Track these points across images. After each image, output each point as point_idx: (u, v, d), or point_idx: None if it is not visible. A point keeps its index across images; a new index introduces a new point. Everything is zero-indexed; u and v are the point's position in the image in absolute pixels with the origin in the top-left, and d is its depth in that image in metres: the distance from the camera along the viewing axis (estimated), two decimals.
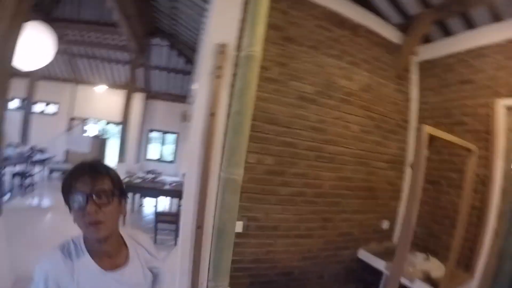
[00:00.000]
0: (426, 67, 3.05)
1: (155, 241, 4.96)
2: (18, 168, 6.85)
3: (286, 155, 2.46)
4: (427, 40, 2.97)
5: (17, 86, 9.94)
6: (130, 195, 5.89)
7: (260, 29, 1.32)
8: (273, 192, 2.45)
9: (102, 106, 11.21)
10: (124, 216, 1.08)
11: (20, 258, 3.35)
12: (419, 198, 1.84)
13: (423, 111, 3.06)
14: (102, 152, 9.72)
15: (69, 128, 11.07)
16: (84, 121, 11.45)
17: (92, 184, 0.93)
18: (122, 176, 6.30)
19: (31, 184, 6.65)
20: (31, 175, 6.66)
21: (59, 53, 9.62)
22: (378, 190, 2.90)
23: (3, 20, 2.77)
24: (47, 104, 11.10)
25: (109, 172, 1.00)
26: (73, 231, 1.00)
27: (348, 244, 2.80)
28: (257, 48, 1.30)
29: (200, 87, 2.27)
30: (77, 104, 11.32)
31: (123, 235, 1.09)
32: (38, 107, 10.83)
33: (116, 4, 5.64)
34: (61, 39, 8.77)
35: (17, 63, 4.82)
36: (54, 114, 11.20)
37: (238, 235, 2.32)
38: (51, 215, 5.56)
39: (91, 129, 11.68)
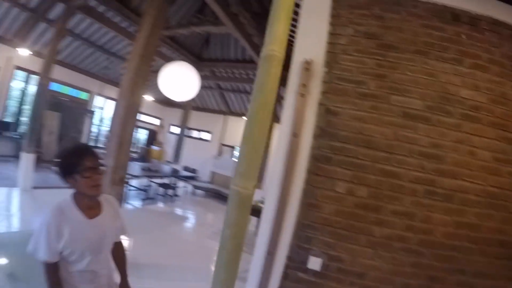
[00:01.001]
0: None
1: None
2: (166, 180, 8.10)
3: (385, 188, 1.98)
4: None
5: (176, 115, 12.02)
6: (255, 219, 6.08)
7: (280, 27, 1.18)
8: (364, 231, 2.00)
9: None
10: None
11: (145, 246, 4.46)
12: None
13: None
14: None
15: (218, 154, 12.43)
16: (232, 148, 12.66)
17: (95, 161, 1.49)
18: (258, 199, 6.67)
19: (175, 195, 7.85)
20: (175, 188, 7.83)
21: (212, 88, 11.15)
22: None
23: (134, 59, 3.42)
24: (202, 131, 12.87)
25: (97, 153, 1.55)
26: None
27: None
28: (274, 47, 1.16)
29: (286, 106, 2.17)
30: (227, 132, 12.70)
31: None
32: (194, 134, 12.73)
33: (249, 44, 6.17)
34: (212, 76, 10.17)
35: (170, 95, 5.77)
36: (207, 141, 12.88)
37: (314, 273, 2.07)
38: (185, 223, 6.35)
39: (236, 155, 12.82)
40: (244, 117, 11.93)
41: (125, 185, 6.97)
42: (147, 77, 3.67)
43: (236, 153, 12.92)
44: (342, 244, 2.02)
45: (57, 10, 6.91)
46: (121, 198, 3.81)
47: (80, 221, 1.49)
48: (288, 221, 2.13)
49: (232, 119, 12.69)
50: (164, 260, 4.18)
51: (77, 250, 1.49)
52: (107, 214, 1.64)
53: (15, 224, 4.37)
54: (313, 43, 2.15)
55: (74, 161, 1.44)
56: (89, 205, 1.55)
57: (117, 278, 1.86)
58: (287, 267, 2.15)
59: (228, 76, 10.21)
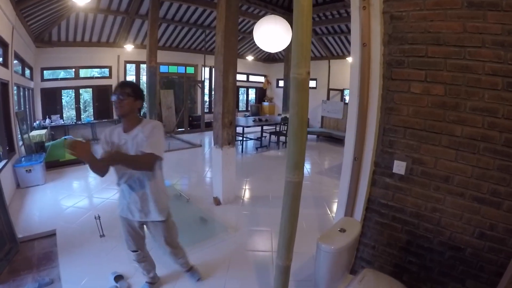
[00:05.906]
0: None
1: None
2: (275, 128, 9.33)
3: (461, 83, 1.89)
4: None
5: (280, 69, 12.29)
6: None
7: None
8: (445, 131, 1.98)
9: None
10: (140, 108, 2.21)
11: (258, 183, 5.70)
12: None
13: None
14: None
15: (326, 99, 12.37)
16: (339, 91, 12.40)
17: (118, 92, 2.07)
18: None
19: (285, 142, 8.53)
20: (286, 135, 8.52)
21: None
22: None
23: (220, 20, 3.95)
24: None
25: (130, 85, 2.15)
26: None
27: None
28: None
29: (352, 22, 2.34)
30: (333, 76, 12.46)
31: (142, 120, 2.23)
32: None
33: None
34: None
35: (265, 47, 6.04)
36: (313, 88, 12.90)
37: (400, 178, 2.24)
38: None
39: (346, 98, 12.50)
40: (348, 59, 11.42)
41: (240, 139, 8.03)
42: (236, 34, 4.10)
43: (346, 97, 12.60)
44: (424, 146, 2.08)
45: (146, 4, 7.89)
46: (232, 139, 4.43)
47: (119, 132, 2.22)
48: (370, 126, 2.32)
49: (335, 63, 12.30)
50: (273, 193, 5.06)
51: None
52: (137, 133, 2.17)
53: None
54: None
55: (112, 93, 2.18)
56: (126, 124, 2.21)
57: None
58: (374, 173, 2.36)
59: (321, 19, 9.89)
